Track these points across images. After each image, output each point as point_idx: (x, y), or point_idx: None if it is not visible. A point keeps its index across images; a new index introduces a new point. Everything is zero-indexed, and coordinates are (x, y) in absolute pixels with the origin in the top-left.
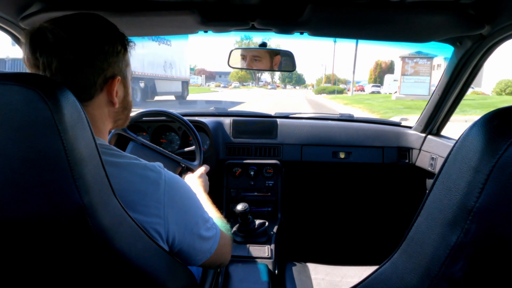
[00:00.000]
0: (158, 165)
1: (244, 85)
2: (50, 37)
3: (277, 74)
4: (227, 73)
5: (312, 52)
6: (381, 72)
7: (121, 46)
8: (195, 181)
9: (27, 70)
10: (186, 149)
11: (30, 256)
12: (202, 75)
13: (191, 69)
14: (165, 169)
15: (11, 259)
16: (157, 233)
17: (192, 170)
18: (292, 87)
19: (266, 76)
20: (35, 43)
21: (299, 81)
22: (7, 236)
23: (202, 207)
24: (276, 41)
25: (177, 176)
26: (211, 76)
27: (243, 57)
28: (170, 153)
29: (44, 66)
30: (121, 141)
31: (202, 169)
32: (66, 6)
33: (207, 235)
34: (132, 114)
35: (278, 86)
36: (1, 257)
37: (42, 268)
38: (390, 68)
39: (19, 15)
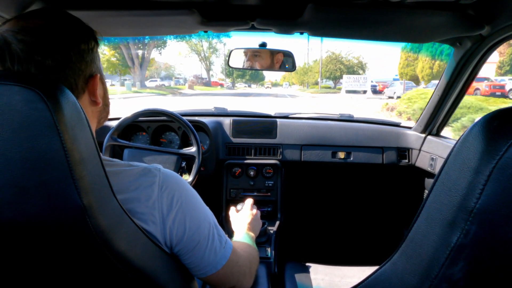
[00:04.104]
0: (155, 167)
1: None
2: (18, 44)
3: (219, 67)
4: None
5: None
6: None
7: (94, 41)
8: (242, 220)
9: None
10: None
11: (29, 256)
12: None
13: None
14: (163, 171)
15: (11, 260)
16: (156, 239)
17: (191, 160)
18: (247, 85)
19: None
20: (1, 52)
21: (255, 77)
22: (6, 237)
23: (208, 213)
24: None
25: (177, 177)
26: None
27: (245, 55)
28: (166, 148)
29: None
30: (116, 149)
31: (249, 203)
32: (66, 6)
33: (211, 245)
34: (128, 115)
35: (221, 85)
36: (1, 258)
37: (41, 269)
38: None
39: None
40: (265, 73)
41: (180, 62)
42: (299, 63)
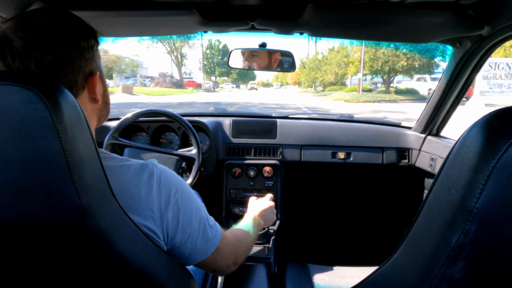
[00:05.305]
0: (151, 163)
1: None
2: (18, 41)
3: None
4: None
5: None
6: None
7: (94, 39)
8: (257, 205)
9: None
10: (186, 149)
11: (29, 257)
12: None
13: None
14: (159, 166)
15: (10, 261)
16: (154, 234)
17: (191, 161)
18: (234, 86)
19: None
20: (2, 49)
21: (244, 76)
22: (6, 237)
23: (200, 206)
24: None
25: (172, 172)
26: None
27: (242, 55)
28: (167, 149)
29: (20, 71)
30: (116, 149)
31: (270, 196)
32: (65, 6)
33: (202, 236)
34: (128, 115)
35: (199, 85)
36: (0, 259)
37: (41, 269)
38: None
39: None
40: (257, 71)
41: (134, 53)
42: (305, 54)
